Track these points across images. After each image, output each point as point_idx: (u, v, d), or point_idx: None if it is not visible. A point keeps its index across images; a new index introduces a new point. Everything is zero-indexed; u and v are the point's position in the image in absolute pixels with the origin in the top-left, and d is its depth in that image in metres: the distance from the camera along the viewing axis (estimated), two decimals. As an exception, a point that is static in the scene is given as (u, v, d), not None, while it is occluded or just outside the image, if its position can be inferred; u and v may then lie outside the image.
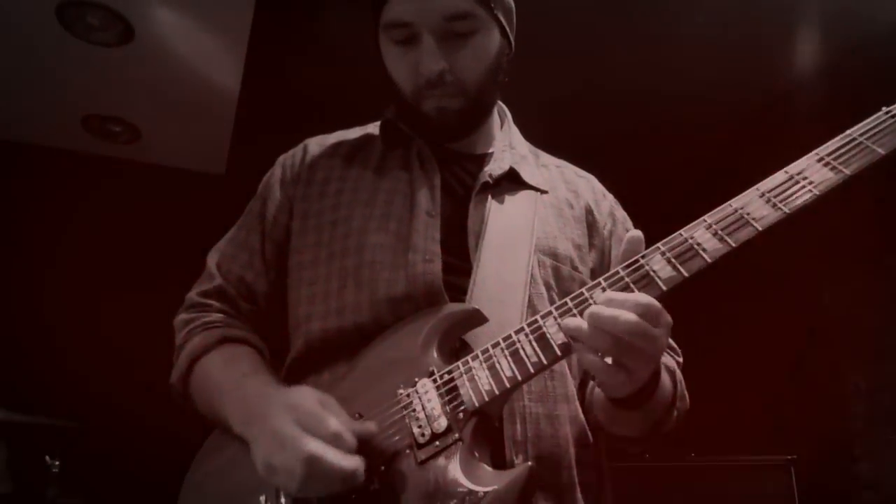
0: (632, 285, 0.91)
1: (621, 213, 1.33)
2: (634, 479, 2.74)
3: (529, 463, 0.89)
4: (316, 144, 1.33)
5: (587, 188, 1.32)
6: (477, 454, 0.92)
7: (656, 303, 0.87)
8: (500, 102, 1.34)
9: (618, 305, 0.86)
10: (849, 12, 2.84)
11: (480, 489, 0.86)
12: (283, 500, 0.95)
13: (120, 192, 3.81)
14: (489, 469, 0.90)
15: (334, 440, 0.87)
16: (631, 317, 0.84)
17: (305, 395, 0.95)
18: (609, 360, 0.87)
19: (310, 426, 0.89)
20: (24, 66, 3.15)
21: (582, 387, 1.17)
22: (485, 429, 0.94)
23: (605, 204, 1.32)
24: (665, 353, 1.16)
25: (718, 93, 3.31)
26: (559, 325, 0.92)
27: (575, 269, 1.18)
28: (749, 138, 3.44)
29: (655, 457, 2.75)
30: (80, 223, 3.70)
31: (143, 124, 3.68)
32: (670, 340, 1.19)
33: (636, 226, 1.33)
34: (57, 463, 2.66)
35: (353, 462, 0.86)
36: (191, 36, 2.97)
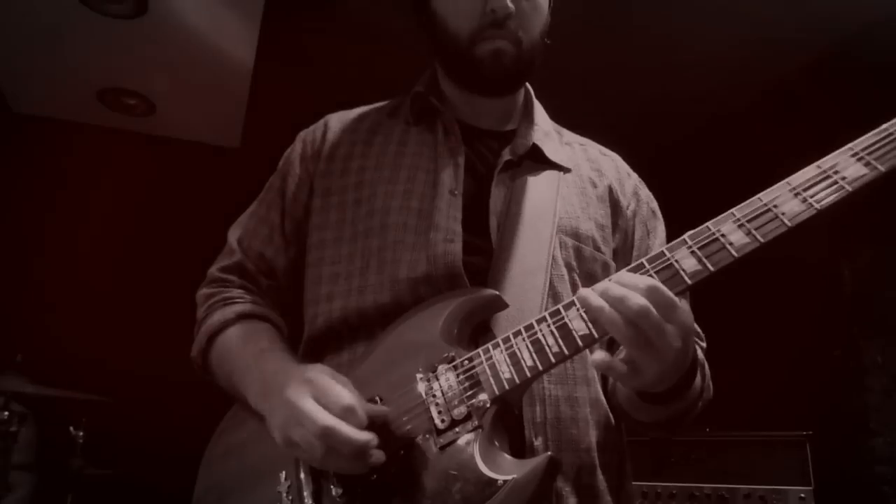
0: (655, 277, 0.89)
1: (645, 193, 1.31)
2: (649, 453, 2.76)
3: (549, 453, 0.88)
4: (337, 120, 1.32)
5: (611, 167, 1.30)
6: (497, 442, 0.92)
7: (667, 290, 0.85)
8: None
9: (628, 285, 0.84)
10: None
11: (499, 477, 0.87)
12: (302, 475, 0.97)
13: (135, 165, 3.82)
14: (508, 457, 0.91)
15: (347, 414, 0.89)
16: (639, 299, 0.83)
17: (320, 371, 0.98)
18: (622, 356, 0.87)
19: (324, 400, 0.90)
20: (40, 39, 3.14)
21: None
22: (504, 417, 0.95)
23: (630, 183, 1.30)
24: None
25: (736, 70, 3.23)
26: (581, 314, 0.90)
27: (597, 249, 1.17)
28: (768, 119, 3.37)
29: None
30: (97, 196, 3.72)
31: (158, 97, 3.67)
32: (695, 325, 1.16)
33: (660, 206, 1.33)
34: (81, 434, 2.73)
35: (365, 435, 0.88)
36: (205, 8, 2.95)
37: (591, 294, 0.88)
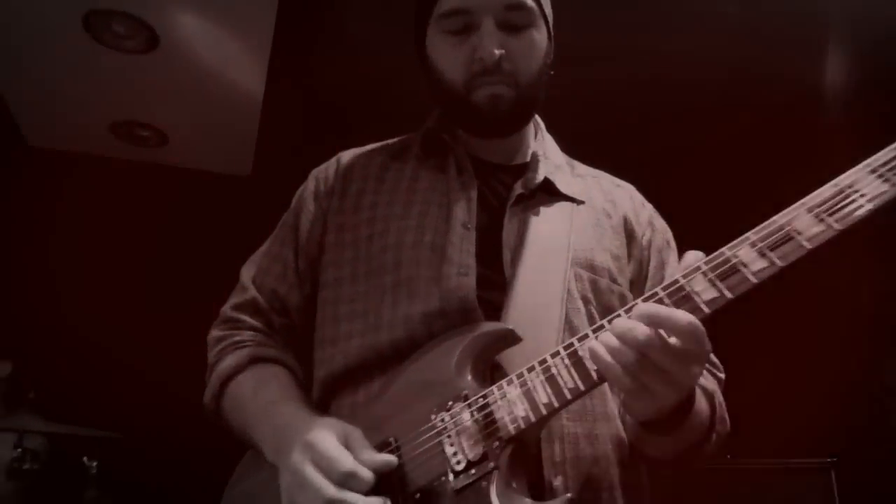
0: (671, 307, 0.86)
1: (660, 223, 1.30)
2: (668, 481, 2.70)
3: (569, 495, 0.86)
4: (349, 156, 1.32)
5: (625, 198, 1.29)
6: (514, 483, 0.89)
7: (700, 326, 0.83)
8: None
9: (661, 324, 0.82)
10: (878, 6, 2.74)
11: None
12: None
13: (148, 195, 3.84)
14: (527, 500, 0.88)
15: (348, 480, 0.86)
16: (673, 341, 0.82)
17: (326, 430, 0.94)
18: (631, 381, 0.84)
19: (324, 468, 0.88)
20: (54, 74, 3.19)
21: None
22: (522, 455, 0.92)
23: (644, 213, 1.28)
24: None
25: (744, 87, 3.21)
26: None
27: (613, 281, 1.15)
28: (780, 134, 3.35)
29: (690, 458, 2.71)
30: (111, 228, 3.74)
31: (169, 128, 3.70)
32: (712, 355, 1.15)
33: (674, 233, 1.31)
34: (95, 464, 2.70)
35: (372, 501, 0.86)
36: (215, 41, 2.98)
37: (600, 350, 0.85)
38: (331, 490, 0.86)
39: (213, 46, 2.99)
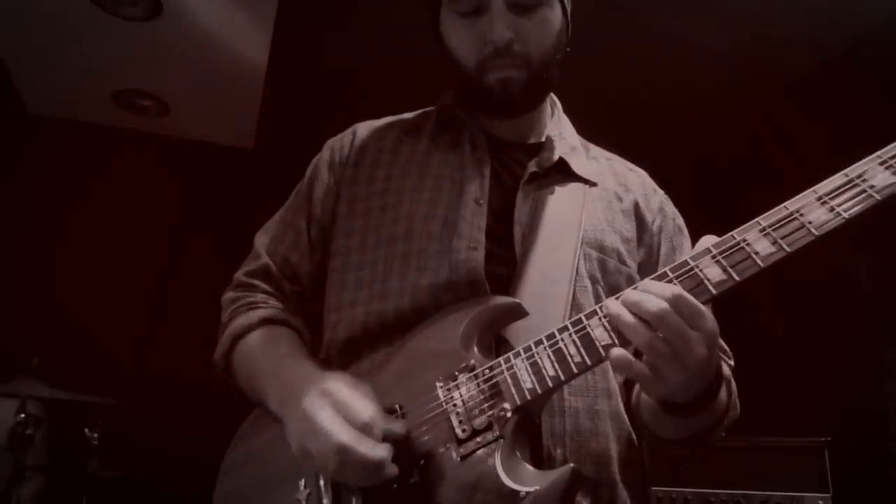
0: (679, 286, 0.88)
1: (671, 209, 1.31)
2: (663, 458, 2.73)
3: (572, 465, 0.87)
4: (365, 128, 1.33)
5: (637, 183, 1.30)
6: (518, 453, 0.91)
7: (691, 298, 0.85)
8: (551, 93, 1.32)
9: (650, 291, 0.86)
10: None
11: (522, 489, 0.86)
12: (321, 484, 0.96)
13: (150, 166, 3.84)
14: (531, 468, 0.90)
15: (365, 430, 0.88)
16: (661, 302, 0.84)
17: (340, 382, 0.97)
18: (644, 360, 0.86)
19: (344, 414, 0.90)
20: (55, 41, 3.17)
21: (627, 384, 1.16)
22: (526, 427, 0.94)
23: (656, 199, 1.29)
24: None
25: (740, 74, 3.19)
26: (603, 323, 0.90)
27: (622, 262, 1.17)
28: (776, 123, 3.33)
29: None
30: (111, 198, 3.74)
31: (172, 98, 3.68)
32: (721, 342, 1.16)
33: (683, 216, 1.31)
34: (96, 436, 2.74)
35: (381, 452, 0.88)
36: (218, 9, 2.95)
37: (611, 300, 0.89)
38: (346, 434, 0.88)
39: (217, 15, 2.97)
